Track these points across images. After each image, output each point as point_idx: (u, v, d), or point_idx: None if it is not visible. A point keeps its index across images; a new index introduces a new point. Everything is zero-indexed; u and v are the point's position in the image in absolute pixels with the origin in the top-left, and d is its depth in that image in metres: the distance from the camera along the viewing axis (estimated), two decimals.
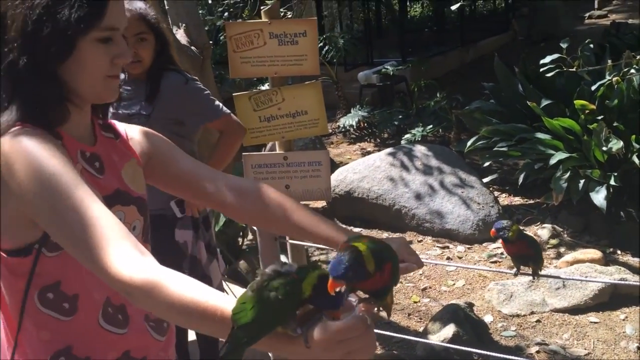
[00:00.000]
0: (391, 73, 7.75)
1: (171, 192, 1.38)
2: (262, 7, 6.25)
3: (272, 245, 2.48)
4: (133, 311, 1.20)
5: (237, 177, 1.32)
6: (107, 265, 0.95)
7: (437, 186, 4.80)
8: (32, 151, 1.02)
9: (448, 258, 4.33)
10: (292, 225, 1.24)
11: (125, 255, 0.95)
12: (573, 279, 3.39)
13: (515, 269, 1.95)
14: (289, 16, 6.15)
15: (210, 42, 5.57)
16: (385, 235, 4.76)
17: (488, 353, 2.71)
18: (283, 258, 2.93)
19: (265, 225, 1.35)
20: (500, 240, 1.88)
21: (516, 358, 2.94)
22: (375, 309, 0.96)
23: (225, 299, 0.90)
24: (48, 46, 1.06)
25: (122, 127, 1.32)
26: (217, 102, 2.55)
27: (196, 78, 2.66)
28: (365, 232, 4.85)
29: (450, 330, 3.10)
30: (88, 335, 1.15)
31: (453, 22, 11.98)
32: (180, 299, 0.90)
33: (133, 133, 1.32)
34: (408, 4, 12.89)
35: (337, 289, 0.85)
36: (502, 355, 2.84)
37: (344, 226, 4.89)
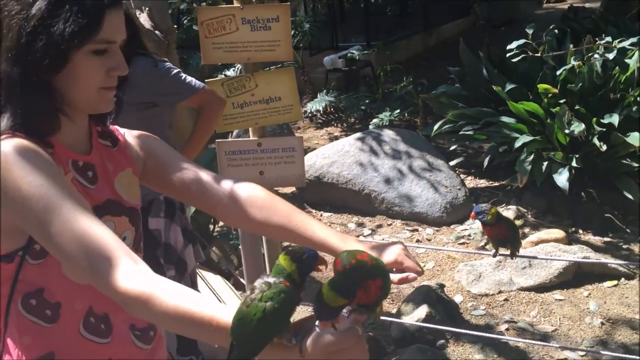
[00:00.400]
0: (357, 57, 7.77)
1: (166, 194, 1.38)
2: None
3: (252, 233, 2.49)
4: (117, 321, 1.20)
5: (232, 180, 1.30)
6: (101, 277, 0.96)
7: (406, 170, 4.86)
8: (21, 161, 1.01)
9: (417, 240, 4.41)
10: (289, 231, 1.23)
11: (119, 266, 0.96)
12: (546, 259, 3.51)
13: (494, 250, 2.00)
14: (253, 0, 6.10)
15: (175, 26, 5.48)
16: (355, 219, 4.81)
17: (461, 331, 2.79)
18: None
19: (259, 230, 1.33)
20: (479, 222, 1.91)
21: (487, 334, 3.05)
22: (365, 319, 0.98)
23: (219, 309, 0.92)
24: (41, 58, 1.04)
25: (122, 132, 1.31)
26: (189, 79, 2.54)
27: (166, 59, 2.64)
28: (335, 217, 4.89)
29: (423, 311, 3.17)
30: (69, 342, 1.16)
31: (415, 5, 12.05)
32: (175, 310, 0.92)
33: (131, 138, 1.31)
34: None
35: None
36: (473, 333, 2.94)
37: (316, 217, 4.91)
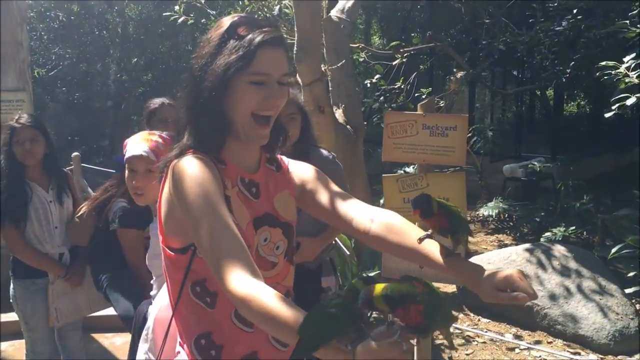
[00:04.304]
0: (538, 169, 7.71)
1: (320, 218, 1.60)
2: (416, 94, 6.63)
3: None
4: None
5: (374, 208, 1.50)
6: (222, 276, 1.20)
7: (574, 289, 4.68)
8: (192, 175, 1.31)
9: None
10: (419, 254, 1.39)
11: (238, 272, 1.18)
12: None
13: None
14: (441, 104, 6.47)
15: (365, 123, 6.00)
16: (513, 330, 4.70)
17: None
18: None
19: (393, 252, 1.48)
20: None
21: None
22: (413, 340, 1.11)
23: (298, 316, 1.09)
24: (208, 85, 1.35)
25: (286, 161, 1.61)
26: (346, 184, 2.92)
27: (334, 155, 3.03)
28: (492, 324, 4.82)
29: None
30: (223, 326, 1.42)
31: (611, 123, 11.59)
32: (265, 311, 1.12)
33: (294, 167, 1.61)
34: (565, 100, 12.71)
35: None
36: None
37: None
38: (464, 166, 3.15)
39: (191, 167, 1.33)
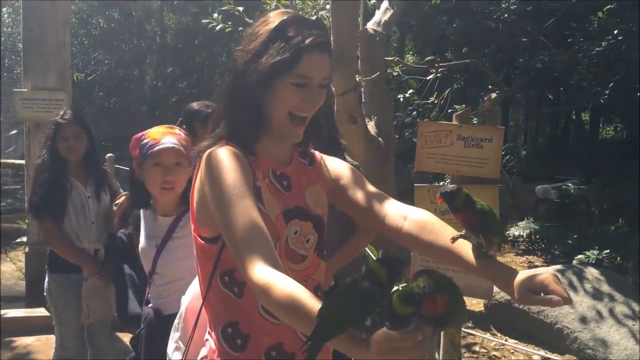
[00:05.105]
0: (571, 191, 7.57)
1: (352, 215, 1.58)
2: (449, 110, 6.60)
3: None
4: None
5: (407, 206, 1.47)
6: (244, 265, 1.21)
7: (606, 313, 4.56)
8: (222, 163, 1.33)
9: None
10: (451, 253, 1.36)
11: (259, 261, 1.19)
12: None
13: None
14: (474, 122, 6.41)
15: (397, 136, 5.99)
16: (541, 352, 4.59)
17: None
18: None
19: (425, 250, 1.46)
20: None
21: None
22: (431, 333, 1.06)
23: (316, 304, 1.09)
24: (251, 83, 1.36)
25: (319, 156, 1.60)
26: None
27: (357, 163, 2.98)
28: (520, 345, 4.71)
29: None
30: (251, 317, 1.41)
31: None
32: (284, 297, 1.12)
33: (327, 162, 1.60)
34: (601, 124, 12.51)
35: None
36: None
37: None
38: (497, 179, 3.10)
39: (222, 157, 1.34)
